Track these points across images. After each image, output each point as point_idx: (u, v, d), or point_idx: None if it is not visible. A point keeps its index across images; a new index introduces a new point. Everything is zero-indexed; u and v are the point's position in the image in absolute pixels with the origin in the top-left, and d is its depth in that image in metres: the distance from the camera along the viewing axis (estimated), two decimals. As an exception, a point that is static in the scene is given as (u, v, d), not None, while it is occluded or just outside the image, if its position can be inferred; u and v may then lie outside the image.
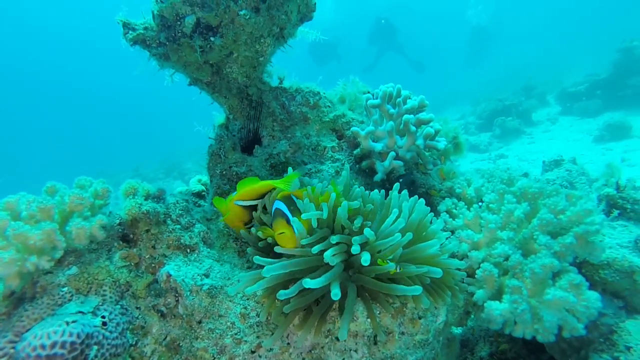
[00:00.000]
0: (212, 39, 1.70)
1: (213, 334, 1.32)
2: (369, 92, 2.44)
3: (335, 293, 1.19)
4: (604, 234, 1.85)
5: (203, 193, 2.20)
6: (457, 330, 2.79)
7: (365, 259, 1.23)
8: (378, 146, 1.88)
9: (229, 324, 1.34)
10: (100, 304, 1.22)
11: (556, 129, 10.78)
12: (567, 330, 1.38)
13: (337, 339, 1.34)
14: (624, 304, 1.67)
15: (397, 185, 1.55)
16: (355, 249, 1.24)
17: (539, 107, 12.80)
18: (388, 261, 1.28)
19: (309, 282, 1.18)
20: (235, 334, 1.33)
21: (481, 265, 1.50)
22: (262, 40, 1.75)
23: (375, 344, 1.34)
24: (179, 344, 1.34)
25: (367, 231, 1.29)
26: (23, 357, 1.03)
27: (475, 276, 1.53)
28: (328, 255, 1.24)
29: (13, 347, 1.06)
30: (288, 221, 1.30)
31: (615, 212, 1.96)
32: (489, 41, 18.33)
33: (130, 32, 1.73)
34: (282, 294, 1.18)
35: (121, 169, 18.72)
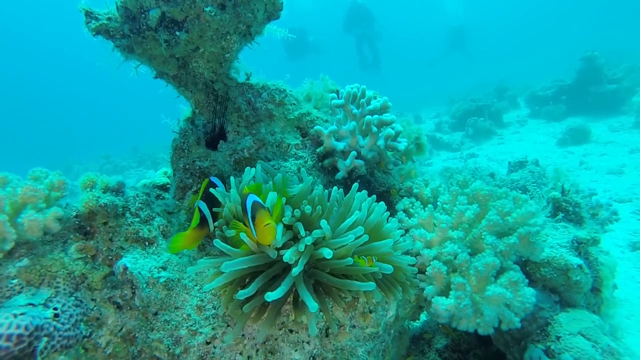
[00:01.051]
0: (177, 33, 1.70)
1: (169, 325, 1.35)
2: (337, 91, 2.49)
3: (313, 306, 1.22)
4: (547, 234, 1.97)
5: (167, 186, 2.21)
6: (416, 324, 2.91)
7: (328, 252, 1.28)
8: (340, 145, 1.94)
9: (184, 315, 1.37)
10: (53, 296, 1.23)
11: (524, 131, 11.19)
12: (505, 323, 1.48)
13: (291, 331, 1.39)
14: (559, 299, 1.80)
15: (356, 185, 1.61)
16: (327, 252, 1.28)
17: (510, 108, 13.24)
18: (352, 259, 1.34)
19: (270, 295, 1.21)
20: (191, 325, 1.36)
21: (431, 262, 1.59)
22: (228, 37, 1.76)
23: (327, 336, 1.40)
24: (135, 335, 1.36)
25: (323, 224, 1.33)
26: (-31, 348, 1.03)
27: (426, 273, 1.61)
28: (288, 256, 1.28)
29: (-41, 338, 1.05)
30: (269, 212, 1.29)
31: (560, 215, 2.10)
32: (465, 41, 18.73)
33: (93, 21, 1.71)
34: (241, 294, 1.22)
35: (90, 157, 18.16)
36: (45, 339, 1.09)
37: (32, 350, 1.07)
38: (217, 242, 1.28)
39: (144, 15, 1.64)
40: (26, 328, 1.06)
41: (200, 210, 1.39)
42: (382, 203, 1.58)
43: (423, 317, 2.83)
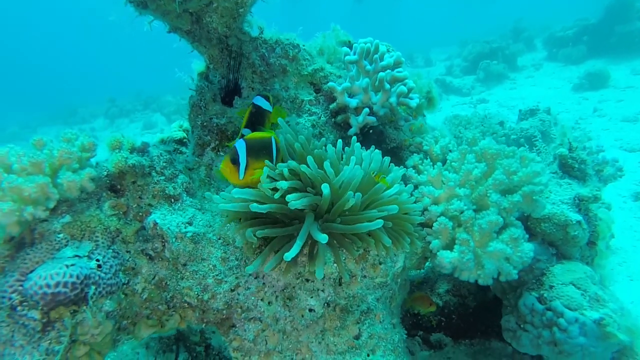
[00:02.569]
0: (190, -12, 1.67)
1: (197, 275, 1.49)
2: (349, 42, 2.46)
3: (323, 237, 1.33)
4: (550, 190, 2.05)
5: (184, 140, 2.28)
6: (421, 272, 3.10)
7: (326, 192, 1.36)
8: (353, 102, 1.97)
9: (210, 266, 1.51)
10: (94, 248, 1.36)
11: (539, 76, 10.83)
12: (504, 275, 1.62)
13: (307, 280, 1.53)
14: (556, 252, 1.92)
15: (354, 138, 1.67)
16: (326, 190, 1.36)
17: (525, 51, 12.69)
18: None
19: (287, 256, 1.31)
20: (217, 275, 1.50)
21: (438, 218, 1.69)
22: (242, -9, 1.74)
23: (340, 285, 1.54)
24: (167, 283, 1.52)
25: (327, 166, 1.41)
26: (31, 294, 1.18)
27: (433, 228, 1.72)
28: (294, 202, 1.36)
29: (21, 285, 1.20)
30: (234, 161, 1.38)
31: (565, 177, 2.16)
32: None
33: (105, -25, 1.68)
34: (259, 233, 1.33)
35: (95, 99, 18.04)
36: (93, 286, 1.23)
37: (84, 295, 1.22)
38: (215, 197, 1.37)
39: (156, -30, 1.61)
40: (77, 277, 1.20)
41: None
42: (378, 152, 1.62)
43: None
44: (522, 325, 1.89)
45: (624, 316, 1.63)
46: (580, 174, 2.12)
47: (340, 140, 1.65)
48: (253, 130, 1.59)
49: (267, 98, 1.69)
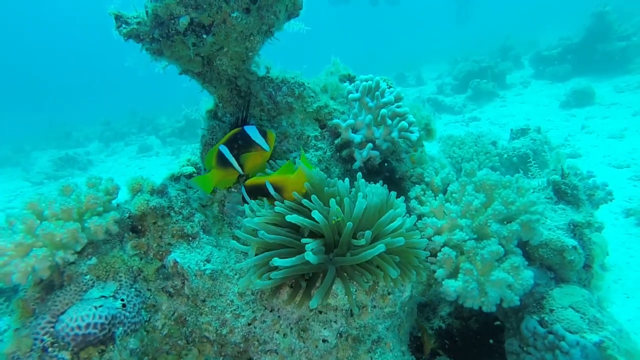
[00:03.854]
0: (204, 36, 1.79)
1: (215, 310, 1.56)
2: (349, 75, 2.58)
3: (308, 254, 1.41)
4: (546, 216, 2.16)
5: (194, 174, 2.36)
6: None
7: (348, 226, 1.47)
8: (357, 137, 2.07)
9: (228, 301, 1.58)
10: (118, 288, 1.42)
11: (528, 93, 11.14)
12: (506, 302, 1.70)
13: (320, 312, 1.60)
14: (554, 275, 2.01)
15: (360, 174, 1.77)
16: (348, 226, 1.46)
17: (513, 69, 13.06)
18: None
19: (284, 261, 1.40)
20: (234, 310, 1.57)
21: (442, 249, 1.78)
22: (251, 38, 1.85)
23: (352, 316, 1.61)
24: (186, 318, 1.58)
25: (332, 203, 1.51)
26: (63, 336, 1.24)
27: (437, 257, 1.81)
28: (310, 251, 1.45)
29: (52, 327, 1.26)
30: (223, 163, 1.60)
31: (560, 203, 2.27)
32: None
33: (124, 25, 1.79)
34: (276, 261, 1.41)
35: (89, 121, 18.08)
36: (120, 327, 1.29)
37: (112, 335, 1.28)
38: (234, 244, 1.49)
39: (173, 21, 1.73)
40: (106, 318, 1.26)
41: (220, 152, 1.64)
42: (378, 186, 1.71)
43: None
44: (525, 349, 1.96)
45: (622, 339, 1.71)
46: (574, 199, 2.23)
47: (347, 179, 1.75)
48: (230, 149, 1.72)
49: (264, 134, 1.78)
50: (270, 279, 1.42)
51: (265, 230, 1.47)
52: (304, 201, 1.53)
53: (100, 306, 1.29)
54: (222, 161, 1.70)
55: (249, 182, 1.68)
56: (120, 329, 1.30)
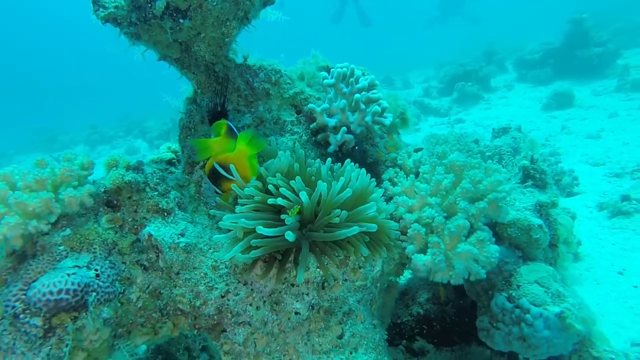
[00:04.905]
0: (181, 20, 1.84)
1: (189, 282, 1.60)
2: (327, 67, 2.65)
3: (289, 234, 1.46)
4: (515, 198, 2.24)
5: (174, 160, 2.40)
6: (402, 282, 3.25)
7: (323, 188, 1.52)
8: (332, 121, 2.14)
9: (202, 274, 1.61)
10: (92, 259, 1.45)
11: (511, 96, 11.39)
12: (473, 275, 1.76)
13: (293, 285, 1.65)
14: (522, 254, 2.09)
15: (348, 160, 1.84)
16: (303, 197, 1.51)
17: (497, 73, 13.35)
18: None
19: (260, 228, 1.44)
20: (208, 282, 1.61)
21: (412, 225, 1.84)
22: (228, 24, 1.91)
23: (323, 288, 1.66)
24: (160, 291, 1.61)
25: (320, 184, 1.56)
26: (34, 302, 1.27)
27: (407, 234, 1.87)
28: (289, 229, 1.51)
29: (24, 294, 1.29)
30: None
31: (530, 182, 2.36)
32: (460, 1, 18.29)
33: (101, 9, 1.83)
34: (243, 222, 1.45)
35: (76, 126, 17.91)
36: (94, 293, 1.32)
37: (84, 302, 1.31)
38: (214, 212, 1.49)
39: (150, 5, 1.78)
40: (79, 284, 1.29)
41: (228, 124, 1.62)
42: (364, 171, 1.79)
43: (408, 274, 3.16)
44: (494, 324, 2.03)
45: (581, 309, 1.79)
46: (542, 183, 2.32)
47: (329, 159, 1.82)
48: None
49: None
50: (252, 247, 1.46)
51: (245, 217, 1.51)
52: (292, 182, 1.57)
53: (73, 274, 1.32)
54: (230, 131, 1.66)
55: (207, 168, 1.68)
56: (93, 295, 1.33)
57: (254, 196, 1.58)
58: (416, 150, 2.37)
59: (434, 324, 2.79)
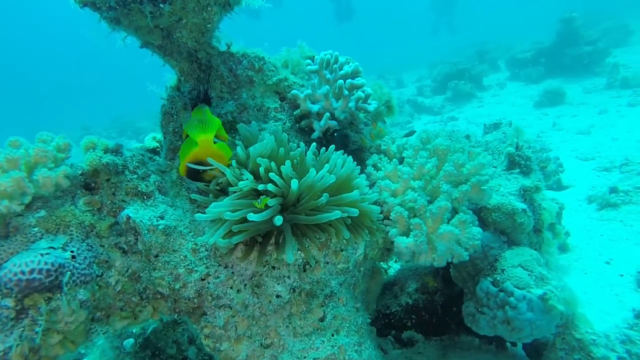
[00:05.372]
0: (161, 5, 1.82)
1: (168, 265, 1.58)
2: (313, 57, 2.65)
3: (278, 218, 1.46)
4: (500, 184, 2.24)
5: (157, 149, 2.38)
6: (391, 272, 3.24)
7: (294, 185, 1.50)
8: (315, 107, 2.13)
9: (181, 257, 1.60)
10: (69, 241, 1.44)
11: (504, 94, 11.45)
12: (456, 257, 1.76)
13: (274, 267, 1.64)
14: (507, 239, 2.09)
15: (333, 146, 1.83)
16: (294, 185, 1.50)
17: (490, 71, 13.43)
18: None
19: (251, 216, 1.44)
20: (187, 265, 1.59)
21: (394, 208, 1.84)
22: (209, 9, 1.90)
23: (305, 271, 1.65)
24: (139, 275, 1.59)
25: (312, 171, 1.55)
26: (5, 282, 1.24)
27: (390, 217, 1.86)
28: (271, 201, 1.50)
29: (-5, 274, 1.26)
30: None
31: (517, 170, 2.37)
32: (453, 6, 18.42)
33: (80, -6, 1.82)
34: (229, 215, 1.43)
35: (69, 127, 17.80)
36: (69, 273, 1.30)
37: (59, 283, 1.29)
38: (195, 196, 1.49)
39: (128, -12, 1.76)
40: (52, 264, 1.27)
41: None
42: (350, 159, 1.80)
43: (397, 266, 3.15)
44: (479, 309, 2.03)
45: (564, 291, 1.79)
46: (527, 170, 2.32)
47: (314, 144, 1.81)
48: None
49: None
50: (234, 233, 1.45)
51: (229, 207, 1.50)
52: (282, 167, 1.55)
53: (47, 254, 1.30)
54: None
55: (181, 171, 1.62)
56: (68, 275, 1.31)
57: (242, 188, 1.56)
58: (408, 135, 2.37)
59: (423, 313, 2.79)
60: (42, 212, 1.42)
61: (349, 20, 16.59)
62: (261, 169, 1.60)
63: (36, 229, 1.40)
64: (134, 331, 2.33)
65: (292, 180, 1.52)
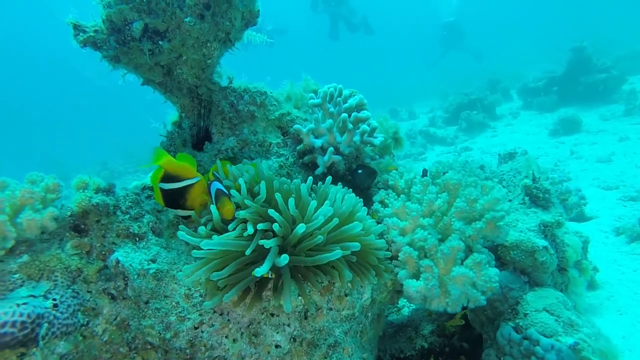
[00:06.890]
0: (160, 42, 1.81)
1: (159, 312, 1.47)
2: (317, 90, 2.61)
3: (284, 257, 1.36)
4: (517, 219, 2.09)
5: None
6: (404, 312, 3.04)
7: (301, 229, 1.42)
8: (318, 142, 2.05)
9: (173, 303, 1.49)
10: (52, 288, 1.35)
11: (517, 123, 11.30)
12: (471, 301, 1.60)
13: (272, 314, 1.51)
14: (528, 279, 1.92)
15: (329, 178, 1.74)
16: (300, 229, 1.40)
17: (502, 101, 13.34)
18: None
19: (258, 271, 1.33)
20: (180, 312, 1.48)
21: (402, 248, 1.70)
22: (208, 45, 1.88)
23: (306, 318, 1.52)
24: (129, 323, 1.48)
25: (291, 203, 1.46)
26: (-23, 335, 1.15)
27: (398, 258, 1.73)
28: (267, 242, 1.40)
29: (-32, 326, 1.17)
30: (229, 197, 1.51)
31: (529, 201, 2.22)
32: (461, 36, 18.60)
33: (81, 34, 1.82)
34: (215, 275, 1.34)
35: (87, 162, 18.20)
36: (46, 324, 1.21)
37: (35, 336, 1.19)
38: (181, 235, 1.41)
39: (128, 27, 1.76)
40: (28, 316, 1.18)
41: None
42: (351, 193, 1.69)
43: (407, 304, 2.96)
44: (501, 358, 1.83)
45: (598, 340, 1.60)
46: (546, 203, 2.17)
47: (310, 178, 1.72)
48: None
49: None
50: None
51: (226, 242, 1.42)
52: (269, 211, 1.47)
53: (23, 304, 1.21)
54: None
55: (157, 199, 1.61)
56: (45, 326, 1.21)
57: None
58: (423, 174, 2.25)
59: (440, 358, 2.57)
60: (25, 257, 1.34)
61: (371, 34, 16.70)
62: (250, 212, 1.50)
63: (17, 275, 1.32)
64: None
65: (300, 225, 1.42)
